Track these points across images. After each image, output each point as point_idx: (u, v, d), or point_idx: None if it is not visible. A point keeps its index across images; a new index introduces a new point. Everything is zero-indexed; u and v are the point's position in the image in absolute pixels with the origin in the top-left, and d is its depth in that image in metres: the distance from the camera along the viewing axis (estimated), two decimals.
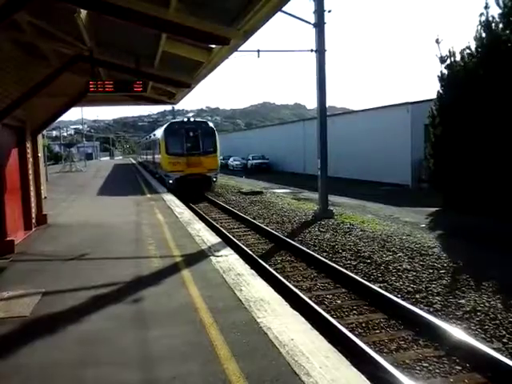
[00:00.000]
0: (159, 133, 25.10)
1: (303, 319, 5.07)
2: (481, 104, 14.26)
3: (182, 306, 5.62)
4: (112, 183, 26.73)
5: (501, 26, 14.65)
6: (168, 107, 55.63)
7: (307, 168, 34.89)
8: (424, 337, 6.31)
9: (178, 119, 24.96)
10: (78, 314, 5.54)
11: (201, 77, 11.94)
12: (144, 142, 45.94)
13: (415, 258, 9.96)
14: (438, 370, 5.49)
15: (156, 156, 27.26)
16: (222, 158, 40.36)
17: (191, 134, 22.08)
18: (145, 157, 43.52)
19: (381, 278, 8.93)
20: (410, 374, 5.36)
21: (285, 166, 43.89)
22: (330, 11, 15.55)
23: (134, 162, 67.27)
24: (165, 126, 24.23)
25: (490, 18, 14.87)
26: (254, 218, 16.12)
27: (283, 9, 11.59)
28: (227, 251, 8.50)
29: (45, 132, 27.52)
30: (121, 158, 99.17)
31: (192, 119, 23.80)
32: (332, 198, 17.54)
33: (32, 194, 11.60)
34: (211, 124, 23.86)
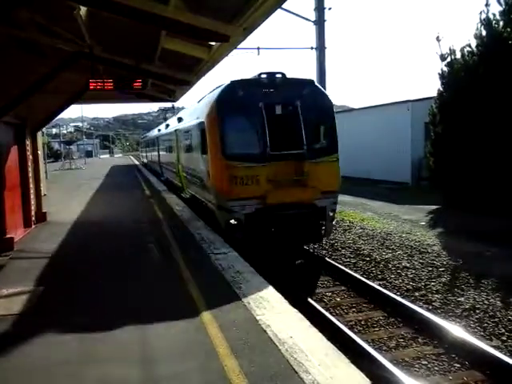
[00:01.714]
0: (201, 109, 11.22)
1: (302, 317, 5.07)
2: (481, 102, 14.23)
3: (181, 304, 5.61)
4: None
5: (501, 23, 14.61)
6: (168, 105, 54.46)
7: None
8: (423, 334, 6.32)
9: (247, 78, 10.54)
10: (77, 310, 5.55)
11: (200, 74, 11.93)
12: (153, 137, 30.11)
13: (415, 255, 9.96)
14: (436, 368, 5.50)
15: (186, 159, 14.06)
16: None
17: (280, 109, 9.64)
18: (154, 155, 29.56)
19: (380, 276, 8.94)
20: (409, 372, 5.37)
21: None
22: (330, 9, 15.60)
23: (136, 162, 54.18)
24: (218, 90, 10.35)
25: (491, 16, 14.84)
26: None
27: (283, 6, 11.62)
28: (226, 249, 8.49)
29: (44, 129, 27.54)
30: (120, 155, 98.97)
31: (279, 75, 10.05)
32: None
33: (31, 191, 11.59)
34: (320, 87, 11.02)
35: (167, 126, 21.62)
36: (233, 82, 9.94)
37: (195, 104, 13.95)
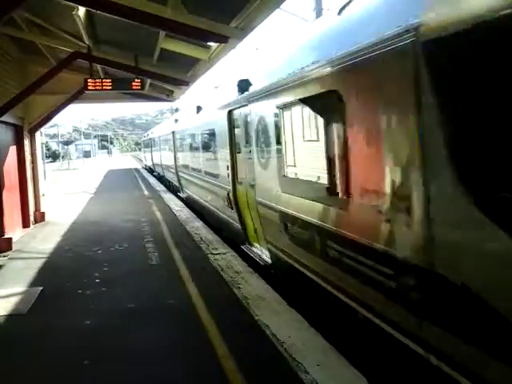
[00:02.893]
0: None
1: (301, 317, 5.07)
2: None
3: (181, 304, 5.62)
4: None
5: None
6: (166, 105, 54.13)
7: None
8: None
9: None
10: (76, 310, 5.56)
11: (199, 74, 11.92)
12: (168, 132, 19.67)
13: None
14: None
15: (282, 179, 5.39)
16: None
17: None
18: (167, 158, 20.77)
19: None
20: None
21: None
22: (328, 10, 15.59)
23: (137, 165, 47.66)
24: None
25: None
26: None
27: (282, 6, 11.61)
28: (225, 249, 8.48)
29: (43, 129, 27.46)
30: (120, 155, 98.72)
31: None
32: None
33: (30, 191, 11.59)
34: None
35: (199, 109, 11.61)
36: None
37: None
